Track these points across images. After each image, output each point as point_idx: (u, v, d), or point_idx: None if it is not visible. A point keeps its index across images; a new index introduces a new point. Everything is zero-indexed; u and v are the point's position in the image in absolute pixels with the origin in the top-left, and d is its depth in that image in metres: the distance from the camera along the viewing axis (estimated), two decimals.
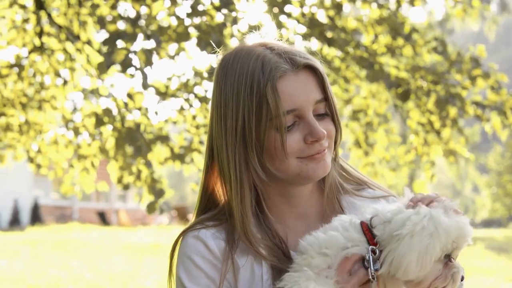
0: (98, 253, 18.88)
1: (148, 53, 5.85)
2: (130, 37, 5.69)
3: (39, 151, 10.76)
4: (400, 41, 9.58)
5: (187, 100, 9.63)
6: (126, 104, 8.30)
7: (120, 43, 5.88)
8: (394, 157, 11.77)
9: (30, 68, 10.28)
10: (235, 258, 2.39)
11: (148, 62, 5.81)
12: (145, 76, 5.76)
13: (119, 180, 9.35)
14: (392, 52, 9.59)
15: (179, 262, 2.44)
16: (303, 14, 9.35)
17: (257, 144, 2.35)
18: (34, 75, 10.33)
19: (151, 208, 7.65)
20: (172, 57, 9.16)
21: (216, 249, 2.40)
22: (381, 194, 2.63)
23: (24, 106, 10.52)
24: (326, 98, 2.39)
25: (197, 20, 7.30)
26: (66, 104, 10.70)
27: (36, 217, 38.10)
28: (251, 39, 2.47)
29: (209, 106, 9.80)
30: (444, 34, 10.00)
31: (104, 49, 5.84)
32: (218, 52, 2.50)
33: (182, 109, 9.84)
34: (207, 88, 9.38)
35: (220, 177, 2.44)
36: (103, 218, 43.57)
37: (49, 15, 9.55)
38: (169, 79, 9.90)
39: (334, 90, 10.52)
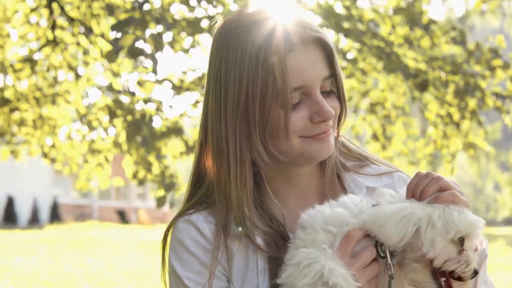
0: (115, 251, 18.84)
1: (158, 38, 5.69)
2: (139, 23, 5.56)
3: (53, 146, 10.69)
4: (418, 32, 9.43)
5: (202, 93, 9.52)
6: (133, 93, 8.18)
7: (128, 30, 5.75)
8: (413, 150, 11.60)
9: (43, 62, 10.21)
10: (229, 243, 2.23)
11: (158, 47, 5.66)
12: (155, 62, 5.62)
13: (134, 175, 9.25)
14: (410, 43, 9.45)
15: (171, 249, 2.30)
16: (319, 5, 9.23)
17: (261, 122, 2.18)
18: (48, 70, 10.25)
19: (160, 201, 7.53)
20: (186, 51, 9.07)
21: (209, 233, 2.25)
22: (386, 170, 2.47)
23: (38, 101, 10.46)
24: (333, 74, 2.23)
25: (211, 10, 7.18)
26: (80, 98, 10.64)
27: (55, 215, 38.17)
28: (255, 6, 2.27)
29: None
30: (465, 30, 9.82)
31: (112, 34, 5.72)
32: (217, 16, 2.33)
33: (197, 102, 9.72)
34: None
35: (214, 156, 2.25)
36: (122, 217, 43.64)
37: (62, 8, 9.46)
38: (184, 73, 9.80)
39: (351, 83, 10.37)
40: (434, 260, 2.01)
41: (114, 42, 5.41)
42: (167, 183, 7.83)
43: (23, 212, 37.63)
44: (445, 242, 2.01)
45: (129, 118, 8.00)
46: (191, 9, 7.04)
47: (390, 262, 2.01)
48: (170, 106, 9.39)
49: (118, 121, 8.73)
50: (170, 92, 9.67)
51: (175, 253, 2.28)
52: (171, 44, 8.49)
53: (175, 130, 8.97)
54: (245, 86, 2.15)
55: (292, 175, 2.34)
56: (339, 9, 9.47)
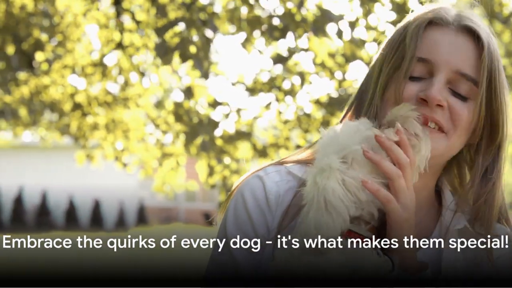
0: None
1: (205, 40, 5.46)
2: (187, 24, 5.34)
3: (125, 150, 10.68)
4: (497, 25, 9.01)
5: (275, 94, 9.31)
6: (188, 97, 8.03)
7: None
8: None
9: (114, 66, 10.20)
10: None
11: (206, 50, 5.42)
12: (201, 66, 5.38)
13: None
14: None
15: (233, 199, 2.03)
16: (391, 1, 8.93)
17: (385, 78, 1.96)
18: (120, 73, 10.23)
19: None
20: (260, 52, 8.87)
21: (273, 201, 1.98)
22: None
23: (109, 105, 10.46)
24: (476, 82, 1.92)
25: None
26: (150, 102, 10.61)
27: (141, 218, 38.59)
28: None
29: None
30: None
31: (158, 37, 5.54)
32: None
33: (269, 104, 9.51)
34: (294, 81, 9.06)
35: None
36: (208, 219, 43.82)
37: (129, 11, 9.42)
38: (257, 74, 9.62)
39: None
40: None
41: (161, 44, 5.20)
42: (228, 187, 7.60)
43: (110, 215, 38.15)
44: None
45: (187, 120, 7.87)
46: (250, 8, 6.81)
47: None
48: (238, 110, 9.21)
49: (181, 125, 8.61)
50: (242, 94, 9.54)
51: (234, 205, 2.02)
52: (244, 44, 8.33)
53: (244, 134, 8.80)
54: (395, 36, 1.96)
55: None
56: (414, 5, 9.12)
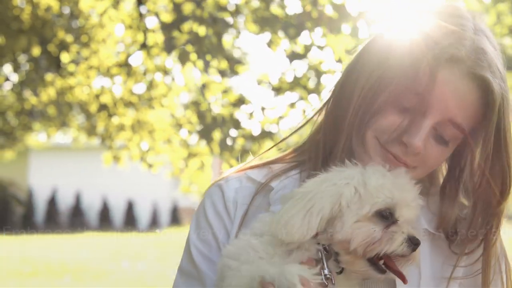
0: None
1: (217, 38, 5.41)
2: (199, 21, 5.29)
3: (150, 150, 10.67)
4: None
5: (301, 94, 9.25)
6: (203, 95, 8.01)
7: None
8: None
9: (140, 67, 10.19)
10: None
11: (219, 47, 5.38)
12: (207, 64, 5.35)
13: None
14: None
15: (196, 210, 2.16)
16: None
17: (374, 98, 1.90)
18: (145, 73, 10.21)
19: None
20: (286, 51, 8.81)
21: (232, 207, 2.06)
22: None
23: (134, 106, 10.46)
24: (464, 130, 1.86)
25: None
26: (177, 102, 10.59)
27: (175, 219, 38.65)
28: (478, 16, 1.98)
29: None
30: None
31: (166, 34, 5.51)
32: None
33: (294, 102, 9.45)
34: (318, 80, 8.99)
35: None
36: None
37: (153, 12, 9.41)
38: (283, 74, 9.56)
39: None
40: (350, 243, 1.73)
41: (168, 40, 5.18)
42: None
43: (143, 216, 38.26)
44: (355, 220, 1.74)
45: (201, 120, 7.82)
46: (264, 5, 6.77)
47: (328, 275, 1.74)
48: (263, 108, 9.16)
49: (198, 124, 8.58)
50: (267, 93, 9.49)
51: (196, 215, 2.13)
52: (269, 44, 8.27)
53: (267, 133, 8.76)
54: (398, 51, 1.88)
55: None
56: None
